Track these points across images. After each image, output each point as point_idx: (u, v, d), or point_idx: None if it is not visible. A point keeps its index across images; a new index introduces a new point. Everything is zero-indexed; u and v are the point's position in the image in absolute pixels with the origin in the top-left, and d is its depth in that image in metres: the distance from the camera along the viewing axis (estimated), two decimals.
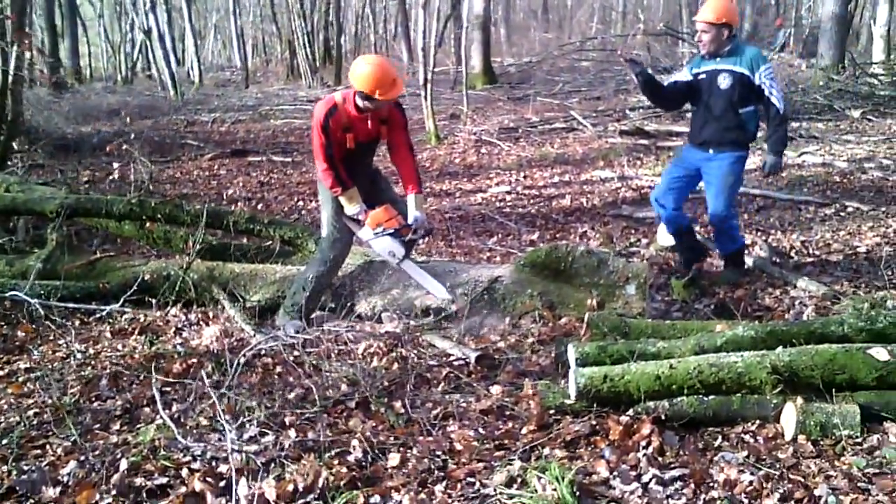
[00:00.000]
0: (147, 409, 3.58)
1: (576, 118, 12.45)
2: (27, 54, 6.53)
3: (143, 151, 11.43)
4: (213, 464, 3.06)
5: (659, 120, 11.69)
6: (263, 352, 3.99)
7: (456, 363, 3.87)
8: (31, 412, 3.57)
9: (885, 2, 16.34)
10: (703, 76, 4.90)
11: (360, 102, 4.21)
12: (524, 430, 3.22)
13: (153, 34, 22.08)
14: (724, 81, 4.80)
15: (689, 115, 5.10)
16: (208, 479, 2.91)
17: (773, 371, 3.13)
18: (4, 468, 3.11)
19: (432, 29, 11.87)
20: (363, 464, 3.04)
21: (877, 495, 2.65)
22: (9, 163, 8.26)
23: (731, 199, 5.02)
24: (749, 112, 4.84)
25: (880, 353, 3.12)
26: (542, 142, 11.39)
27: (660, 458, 2.97)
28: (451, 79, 19.82)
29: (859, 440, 2.97)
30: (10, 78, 6.81)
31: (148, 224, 5.34)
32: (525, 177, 9.08)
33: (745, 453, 2.97)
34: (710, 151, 4.93)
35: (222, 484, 2.91)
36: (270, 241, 5.40)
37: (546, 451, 3.07)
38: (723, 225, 5.02)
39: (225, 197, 8.66)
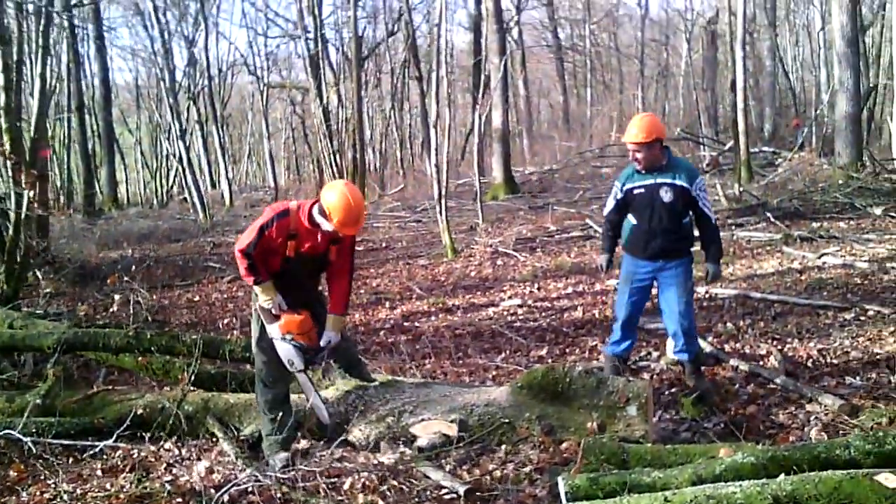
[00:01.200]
0: None
1: (592, 226, 12.44)
2: (30, 193, 6.67)
3: (165, 276, 11.68)
4: None
5: None
6: (250, 489, 3.85)
7: (446, 497, 3.69)
8: None
9: None
10: (642, 190, 4.92)
11: (315, 217, 4.17)
12: None
13: (183, 160, 22.88)
14: (666, 195, 4.84)
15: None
16: None
17: (774, 502, 2.92)
18: None
19: (444, 147, 12.09)
20: None
21: None
22: (40, 293, 8.43)
23: (691, 301, 5.06)
24: (688, 221, 4.94)
25: (889, 479, 2.89)
26: (558, 251, 11.35)
27: None
28: (474, 190, 20.09)
29: None
30: (23, 216, 7.01)
31: (140, 358, 5.32)
32: (539, 288, 8.99)
33: None
34: (660, 262, 4.94)
35: None
36: None
37: None
38: (690, 326, 4.99)
39: (239, 319, 8.65)
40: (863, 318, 6.48)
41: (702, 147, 22.56)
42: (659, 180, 4.85)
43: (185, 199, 27.11)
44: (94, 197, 25.35)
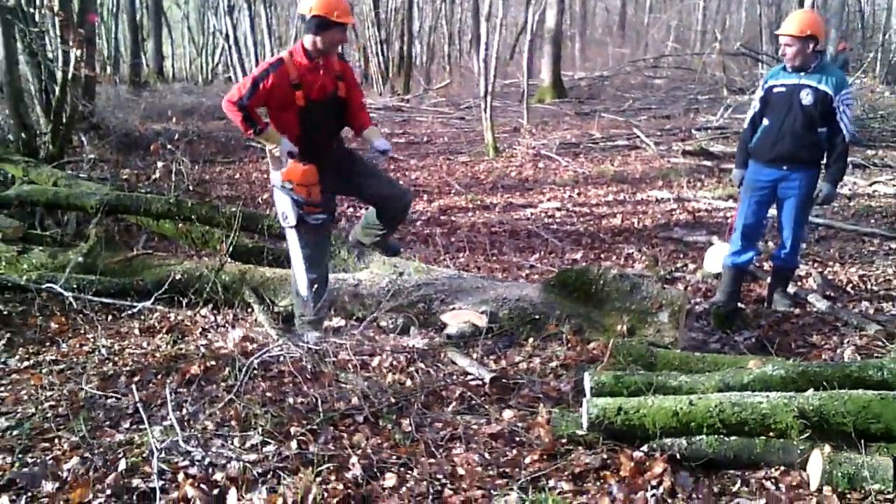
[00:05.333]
0: (158, 410, 3.58)
1: (639, 136, 12.17)
2: (77, 52, 6.57)
3: (207, 152, 11.74)
4: (210, 471, 3.01)
5: (726, 141, 11.34)
6: (281, 358, 3.95)
7: (472, 382, 3.75)
8: (47, 405, 3.61)
9: None
10: (782, 89, 4.64)
11: (313, 42, 3.96)
12: (530, 459, 3.09)
13: (230, 38, 22.58)
14: (806, 97, 4.55)
15: None
16: (202, 486, 2.87)
17: (800, 415, 2.92)
18: (10, 459, 3.13)
19: (494, 42, 11.76)
20: (360, 482, 2.95)
21: None
22: (84, 157, 8.50)
23: (807, 217, 4.94)
24: (823, 133, 4.61)
25: None
26: (602, 158, 11.17)
27: (670, 501, 2.80)
28: (520, 91, 19.68)
29: (891, 496, 2.73)
30: (69, 76, 6.99)
31: (181, 225, 5.38)
32: (579, 193, 8.89)
33: (763, 501, 2.78)
34: (784, 168, 4.68)
35: (216, 492, 2.86)
36: None
37: (552, 482, 2.93)
38: (798, 242, 4.91)
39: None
40: None
41: (760, 65, 21.70)
42: (803, 81, 4.56)
43: (229, 77, 26.90)
44: (140, 69, 25.27)
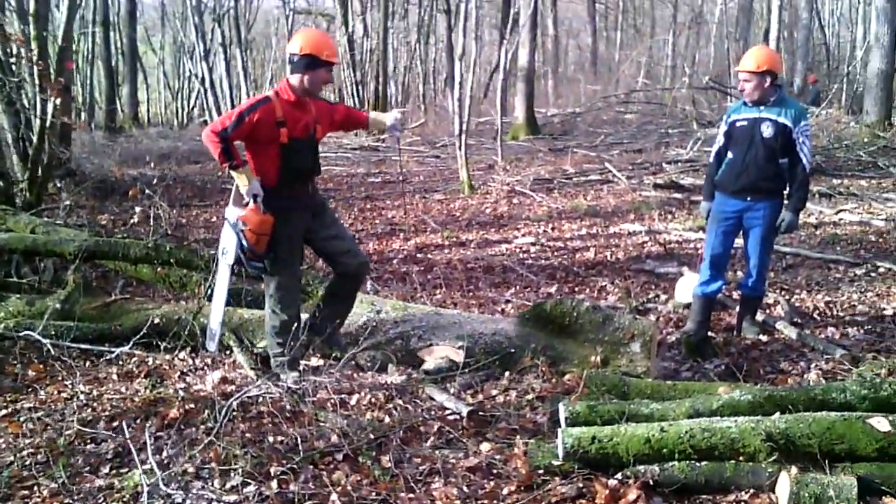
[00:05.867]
0: (138, 455, 3.59)
1: (611, 170, 12.38)
2: (55, 101, 6.69)
3: (184, 196, 11.80)
4: None
5: (696, 174, 11.57)
6: (260, 399, 3.99)
7: (450, 417, 3.81)
8: (25, 452, 3.61)
9: None
10: (744, 123, 4.80)
11: (300, 80, 4.08)
12: (507, 490, 3.14)
13: (206, 82, 22.78)
14: (767, 130, 4.70)
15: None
16: None
17: (767, 438, 3.02)
18: None
19: (468, 81, 12.00)
20: None
21: None
22: (60, 204, 8.54)
23: (772, 245, 5.05)
24: (784, 163, 4.76)
25: (881, 423, 2.98)
26: (575, 193, 11.35)
27: None
28: (495, 129, 19.94)
29: None
30: (47, 124, 7.08)
31: (159, 269, 5.43)
32: (553, 228, 9.04)
33: None
34: (749, 199, 4.81)
35: None
36: None
37: None
38: (765, 270, 5.03)
39: None
40: (873, 274, 6.51)
41: (729, 98, 22.17)
42: (763, 115, 4.72)
43: (205, 121, 27.05)
44: (116, 114, 25.39)
